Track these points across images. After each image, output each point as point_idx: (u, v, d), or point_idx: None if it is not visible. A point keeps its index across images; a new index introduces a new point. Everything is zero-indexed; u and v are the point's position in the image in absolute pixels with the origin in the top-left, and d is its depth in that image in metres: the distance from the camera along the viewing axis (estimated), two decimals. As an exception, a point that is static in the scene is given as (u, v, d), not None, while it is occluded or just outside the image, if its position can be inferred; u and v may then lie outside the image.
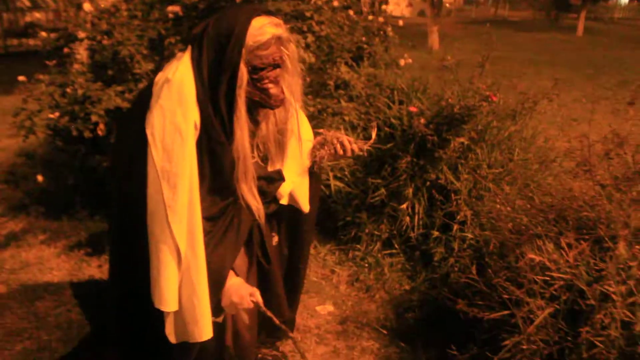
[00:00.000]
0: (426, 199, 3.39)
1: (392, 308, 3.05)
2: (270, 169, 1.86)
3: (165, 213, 1.57)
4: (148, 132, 1.57)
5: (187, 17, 3.28)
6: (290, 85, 1.70)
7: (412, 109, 3.45)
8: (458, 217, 3.18)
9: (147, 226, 1.61)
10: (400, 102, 3.71)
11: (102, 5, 3.36)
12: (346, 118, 3.61)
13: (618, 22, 31.12)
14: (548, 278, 2.11)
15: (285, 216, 2.07)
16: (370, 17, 4.59)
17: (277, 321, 1.84)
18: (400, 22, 5.26)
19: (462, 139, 3.29)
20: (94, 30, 3.31)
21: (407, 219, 3.39)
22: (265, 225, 1.94)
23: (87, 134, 3.13)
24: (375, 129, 2.07)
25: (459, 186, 3.23)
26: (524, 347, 2.07)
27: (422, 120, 3.34)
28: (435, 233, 3.28)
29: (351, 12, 4.40)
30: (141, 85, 3.07)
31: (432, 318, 2.88)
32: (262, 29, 1.57)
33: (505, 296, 2.17)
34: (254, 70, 1.60)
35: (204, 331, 1.69)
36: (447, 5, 23.58)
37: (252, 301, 1.78)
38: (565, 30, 23.43)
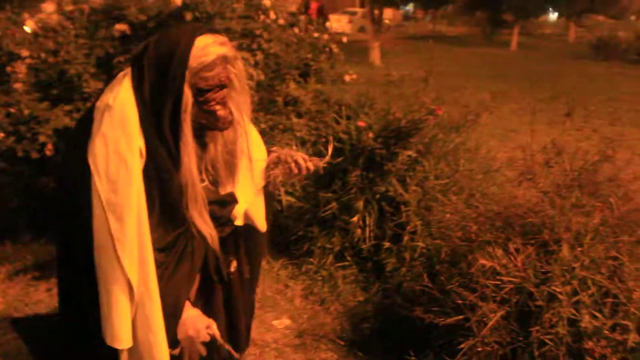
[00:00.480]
0: (376, 211, 3.45)
1: (347, 319, 3.10)
2: (222, 192, 1.78)
3: (113, 247, 1.49)
4: (90, 162, 1.49)
5: (135, 36, 3.25)
6: (238, 104, 1.62)
7: (361, 123, 3.52)
8: (408, 228, 3.25)
9: (95, 260, 1.54)
10: (348, 117, 3.77)
11: (49, 22, 3.28)
12: (297, 134, 3.65)
13: (548, 37, 32.62)
14: (499, 282, 2.20)
15: (242, 237, 1.98)
16: (315, 35, 4.67)
17: (235, 355, 1.83)
18: (345, 39, 5.36)
19: (409, 152, 3.38)
20: (37, 48, 3.23)
21: (359, 231, 3.44)
22: (219, 252, 1.84)
23: (34, 155, 3.05)
24: (332, 145, 2.03)
25: (408, 198, 3.31)
26: (479, 349, 2.16)
27: (371, 135, 3.42)
28: (387, 244, 3.35)
29: (296, 30, 4.46)
30: (90, 105, 3.01)
31: (388, 327, 2.93)
32: (206, 49, 1.49)
33: (459, 301, 2.25)
34: (199, 92, 1.52)
35: None
36: (387, 21, 24.09)
37: (209, 334, 1.72)
38: (500, 45, 24.35)
